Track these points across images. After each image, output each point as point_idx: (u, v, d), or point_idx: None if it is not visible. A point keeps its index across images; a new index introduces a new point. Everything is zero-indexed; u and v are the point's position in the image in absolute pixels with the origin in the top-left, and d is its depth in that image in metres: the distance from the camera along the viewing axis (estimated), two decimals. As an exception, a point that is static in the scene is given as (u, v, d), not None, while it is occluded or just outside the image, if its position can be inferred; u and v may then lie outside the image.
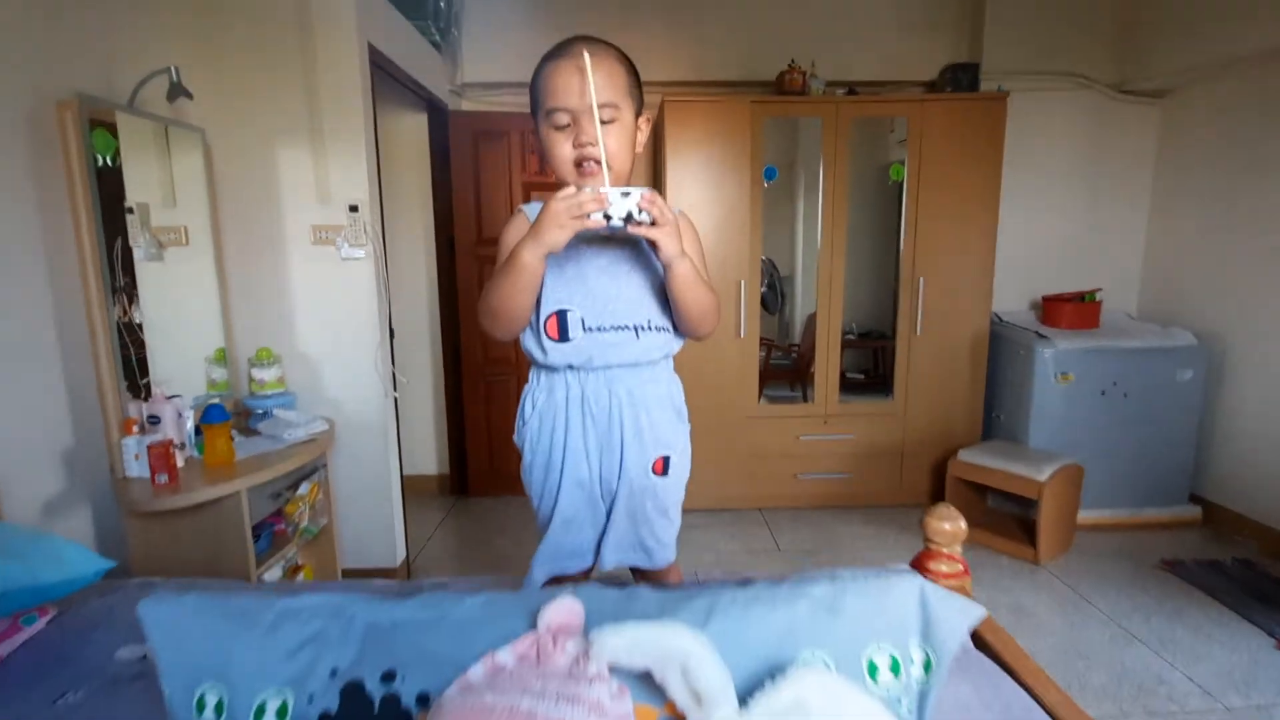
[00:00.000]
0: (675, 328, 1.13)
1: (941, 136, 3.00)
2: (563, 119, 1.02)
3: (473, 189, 3.28)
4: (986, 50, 3.23)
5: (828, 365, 3.21)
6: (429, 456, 3.61)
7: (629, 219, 0.94)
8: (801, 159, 3.35)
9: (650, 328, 1.11)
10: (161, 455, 1.67)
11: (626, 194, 0.93)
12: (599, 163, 1.01)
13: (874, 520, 3.16)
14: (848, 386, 3.28)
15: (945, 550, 1.20)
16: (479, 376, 3.41)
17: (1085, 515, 2.96)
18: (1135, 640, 2.18)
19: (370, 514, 2.49)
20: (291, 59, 2.19)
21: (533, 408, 1.17)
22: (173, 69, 1.81)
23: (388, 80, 2.66)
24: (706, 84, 3.33)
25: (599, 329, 1.09)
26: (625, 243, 1.10)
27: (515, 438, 1.21)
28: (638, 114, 1.08)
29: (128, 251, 2.07)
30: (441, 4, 3.04)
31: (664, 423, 1.16)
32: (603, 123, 1.00)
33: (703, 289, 1.07)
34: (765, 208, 3.07)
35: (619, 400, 1.12)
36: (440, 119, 3.22)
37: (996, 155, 3.02)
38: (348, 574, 2.44)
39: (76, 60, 1.74)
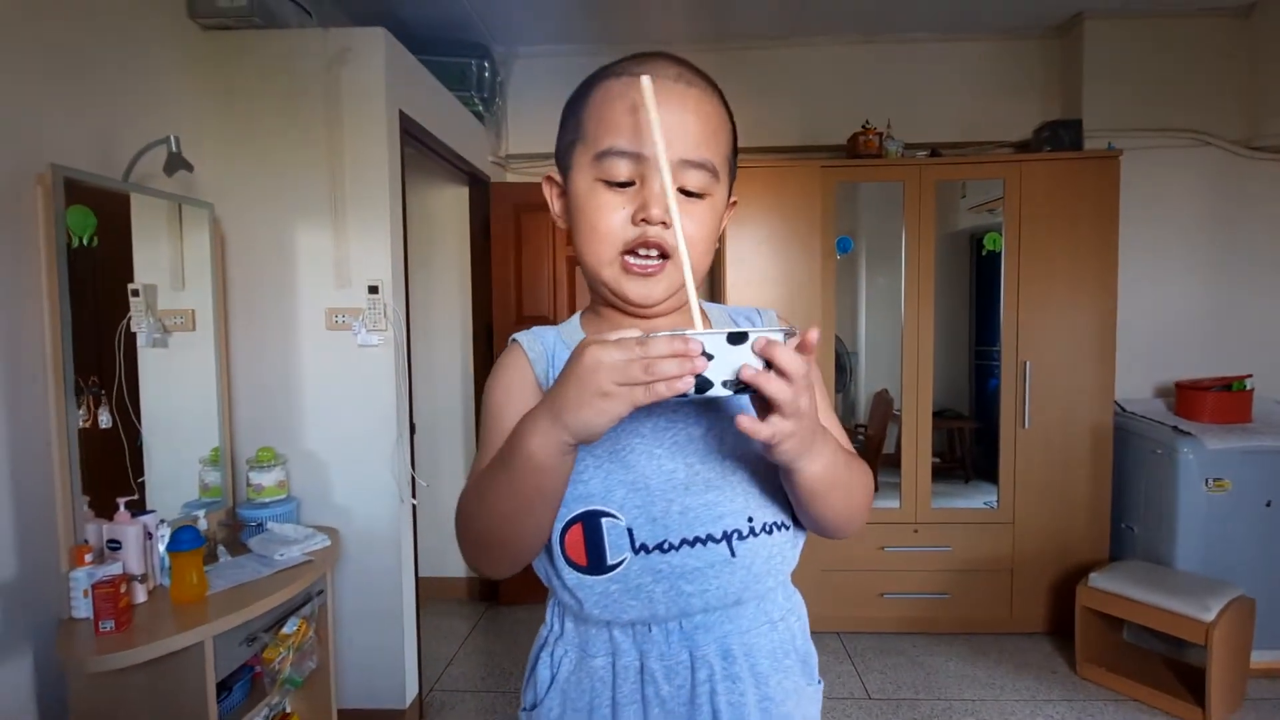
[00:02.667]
0: (796, 518, 0.67)
1: (1045, 200, 2.60)
2: (622, 170, 0.60)
3: (513, 266, 3.03)
4: (1086, 106, 2.87)
5: (916, 463, 2.74)
6: (456, 558, 3.23)
7: (738, 383, 0.48)
8: (864, 227, 3.14)
9: (756, 530, 0.64)
10: (108, 596, 1.34)
11: (738, 338, 0.47)
12: (665, 256, 0.61)
13: (980, 654, 2.60)
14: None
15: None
16: (515, 469, 3.06)
17: (1256, 658, 2.36)
18: None
19: (378, 642, 2.11)
20: (313, 126, 1.98)
21: (550, 679, 0.68)
22: (172, 139, 1.60)
23: (427, 152, 2.46)
24: (766, 149, 3.06)
25: (663, 547, 0.62)
26: None
27: None
28: (729, 191, 0.67)
29: (132, 337, 1.88)
30: (486, 74, 2.88)
31: (786, 693, 0.67)
32: (688, 193, 0.61)
33: (851, 477, 0.62)
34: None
35: (709, 669, 0.64)
36: (482, 192, 3.02)
37: (1111, 221, 2.59)
38: (346, 716, 2.04)
39: (67, 131, 1.55)
